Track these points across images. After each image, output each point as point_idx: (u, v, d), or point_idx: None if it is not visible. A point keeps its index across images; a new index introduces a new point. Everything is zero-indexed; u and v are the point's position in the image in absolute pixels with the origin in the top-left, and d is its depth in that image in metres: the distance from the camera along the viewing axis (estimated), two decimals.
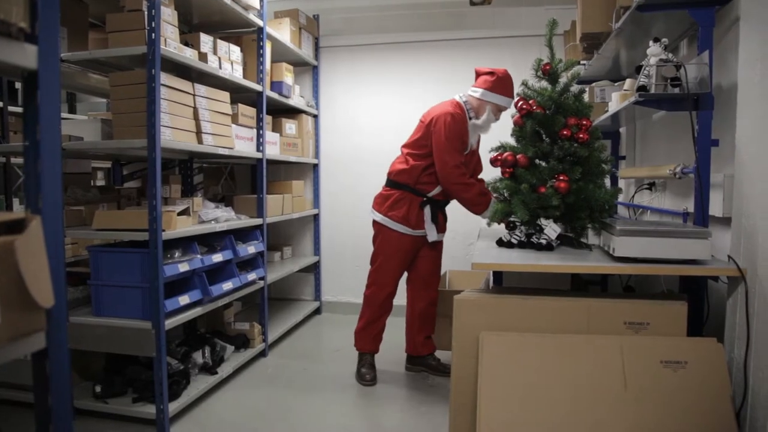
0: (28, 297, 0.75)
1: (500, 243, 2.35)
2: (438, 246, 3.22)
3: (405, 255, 3.08)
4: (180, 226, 2.66)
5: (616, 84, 3.12)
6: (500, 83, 2.89)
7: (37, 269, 0.77)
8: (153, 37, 2.37)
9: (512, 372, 1.86)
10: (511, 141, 2.44)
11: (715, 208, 2.13)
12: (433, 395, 2.90)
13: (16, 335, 0.76)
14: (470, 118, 2.95)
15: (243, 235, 3.34)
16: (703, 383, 1.75)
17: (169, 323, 2.49)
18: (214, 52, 3.01)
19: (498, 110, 2.94)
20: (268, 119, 3.65)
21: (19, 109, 4.08)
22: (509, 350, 1.89)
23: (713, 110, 2.06)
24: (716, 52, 2.16)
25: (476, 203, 2.89)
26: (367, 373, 3.08)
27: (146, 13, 2.40)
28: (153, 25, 2.37)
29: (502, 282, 2.45)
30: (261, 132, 3.52)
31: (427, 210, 3.01)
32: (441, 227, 3.15)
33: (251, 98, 3.53)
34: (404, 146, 3.13)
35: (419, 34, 4.44)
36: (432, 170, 2.95)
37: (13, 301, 0.74)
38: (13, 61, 0.78)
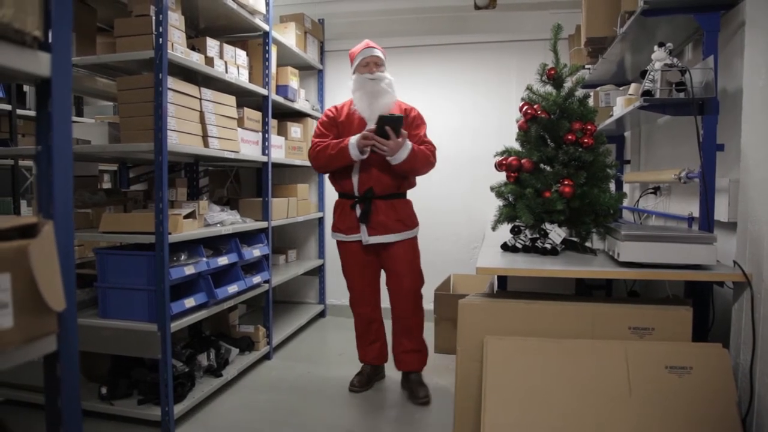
0: (40, 300, 0.76)
1: (505, 247, 2.36)
2: (395, 252, 2.92)
3: (356, 265, 2.99)
4: (186, 229, 2.67)
5: (620, 88, 3.12)
6: (352, 53, 2.97)
7: (50, 273, 0.78)
8: (160, 41, 2.40)
9: (517, 376, 1.86)
10: (516, 145, 2.44)
11: (721, 213, 2.13)
12: (437, 399, 2.91)
13: (29, 338, 0.77)
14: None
15: (248, 238, 3.35)
16: (709, 389, 1.75)
17: (175, 326, 2.51)
18: (221, 57, 3.03)
19: (361, 66, 2.90)
20: (273, 123, 3.66)
21: (27, 112, 4.12)
22: (514, 355, 1.90)
23: (718, 115, 2.07)
24: (721, 56, 2.17)
25: (336, 155, 2.79)
26: (355, 380, 3.07)
27: (154, 18, 2.42)
28: (160, 29, 2.40)
29: (506, 286, 2.46)
30: (266, 135, 3.53)
31: (357, 209, 2.92)
32: (378, 227, 2.89)
33: (257, 102, 3.55)
34: None
35: (423, 38, 4.45)
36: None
37: (26, 304, 0.75)
38: (27, 69, 0.80)
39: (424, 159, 2.84)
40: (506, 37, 4.31)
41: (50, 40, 0.86)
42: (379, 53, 2.93)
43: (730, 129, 2.11)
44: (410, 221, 2.98)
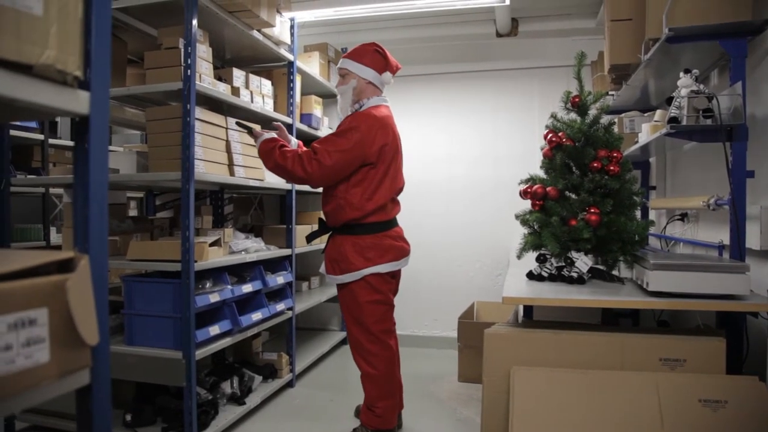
0: (76, 335, 0.77)
1: (530, 276, 2.33)
2: (340, 292, 2.65)
3: None
4: (211, 257, 2.69)
5: (645, 114, 3.10)
6: None
7: (85, 308, 0.79)
8: (189, 73, 2.45)
9: (545, 408, 1.82)
10: (541, 173, 2.43)
11: (753, 241, 2.08)
12: (461, 430, 2.85)
13: (64, 372, 0.78)
14: None
15: (272, 265, 3.36)
16: (745, 423, 1.69)
17: (200, 353, 2.51)
18: (246, 87, 3.09)
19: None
20: None
21: (58, 141, 4.24)
22: (541, 386, 1.86)
23: (747, 141, 2.04)
24: (749, 82, 2.14)
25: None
26: None
27: (182, 50, 2.48)
28: (189, 61, 2.45)
29: (532, 314, 2.42)
30: None
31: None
32: (328, 264, 2.63)
33: None
34: None
35: (446, 66, 4.50)
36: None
37: (62, 338, 0.76)
38: (67, 107, 0.82)
39: (265, 158, 2.58)
40: (528, 64, 4.33)
41: (89, 78, 0.88)
42: (343, 64, 2.75)
43: (760, 155, 2.08)
44: (337, 266, 2.58)
